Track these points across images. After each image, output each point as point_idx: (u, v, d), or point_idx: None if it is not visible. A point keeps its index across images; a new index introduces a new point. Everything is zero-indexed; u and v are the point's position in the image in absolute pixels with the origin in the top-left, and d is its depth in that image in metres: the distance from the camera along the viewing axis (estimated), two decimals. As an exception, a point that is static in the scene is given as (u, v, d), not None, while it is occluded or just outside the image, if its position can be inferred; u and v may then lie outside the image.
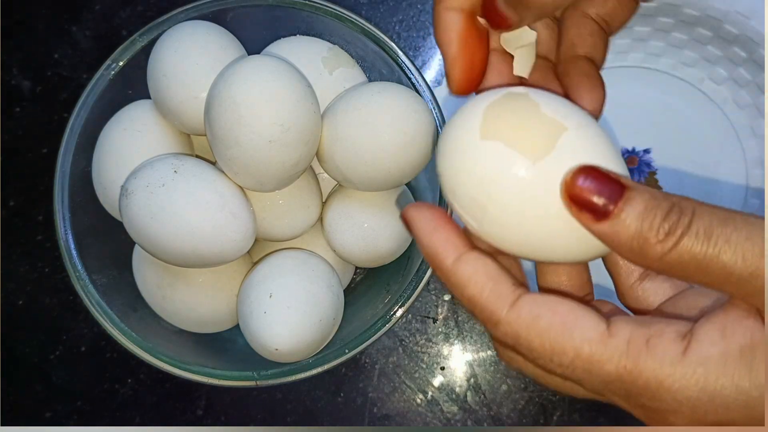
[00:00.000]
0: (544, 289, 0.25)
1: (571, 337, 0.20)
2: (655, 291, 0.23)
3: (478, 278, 0.21)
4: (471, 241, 0.22)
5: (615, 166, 0.21)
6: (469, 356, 0.42)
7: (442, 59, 0.24)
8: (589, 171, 0.20)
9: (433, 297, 0.43)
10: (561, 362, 0.20)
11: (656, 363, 0.19)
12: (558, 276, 0.25)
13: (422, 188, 0.36)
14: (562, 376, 0.21)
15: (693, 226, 0.19)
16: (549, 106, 0.22)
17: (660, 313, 0.23)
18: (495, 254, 0.22)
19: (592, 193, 0.20)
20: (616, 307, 0.23)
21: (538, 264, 0.25)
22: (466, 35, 0.24)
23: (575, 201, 0.20)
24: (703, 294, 0.22)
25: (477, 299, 0.21)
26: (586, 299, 0.25)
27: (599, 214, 0.20)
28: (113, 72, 0.32)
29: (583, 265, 0.25)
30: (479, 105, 0.22)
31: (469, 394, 0.42)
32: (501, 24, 0.24)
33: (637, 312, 0.24)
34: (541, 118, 0.21)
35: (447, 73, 0.25)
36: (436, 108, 0.32)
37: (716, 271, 0.19)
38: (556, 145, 0.21)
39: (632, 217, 0.19)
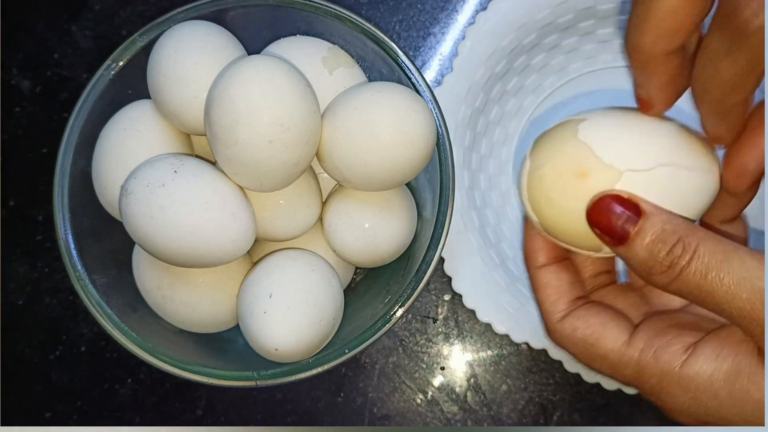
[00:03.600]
0: None
1: (597, 347, 0.25)
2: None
3: (547, 288, 0.27)
4: (562, 251, 0.27)
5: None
6: (469, 356, 0.42)
7: (636, 83, 0.25)
8: (609, 198, 0.23)
9: (433, 297, 0.43)
10: (592, 365, 0.25)
11: (659, 371, 0.23)
12: None
13: (422, 188, 0.36)
14: (597, 372, 0.26)
15: (692, 265, 0.21)
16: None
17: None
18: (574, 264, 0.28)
19: (610, 220, 0.23)
20: None
21: None
22: (672, 73, 0.24)
23: (597, 226, 0.24)
24: None
25: (542, 305, 0.27)
26: None
27: (615, 239, 0.23)
28: (113, 72, 0.32)
29: None
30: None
31: (469, 394, 0.42)
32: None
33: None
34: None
35: (646, 101, 0.25)
36: (436, 108, 0.32)
37: (711, 305, 0.22)
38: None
39: (640, 248, 0.22)
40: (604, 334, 0.25)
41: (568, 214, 0.25)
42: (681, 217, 0.23)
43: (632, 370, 0.24)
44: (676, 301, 0.28)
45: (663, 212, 0.23)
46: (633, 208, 0.23)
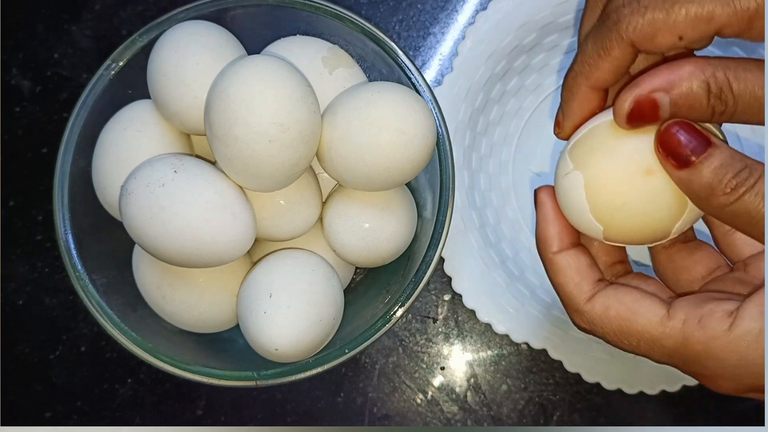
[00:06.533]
0: None
1: (636, 322, 0.25)
2: (744, 242, 0.27)
3: (568, 271, 0.27)
4: (576, 236, 0.27)
5: None
6: (469, 356, 0.42)
7: (561, 110, 0.28)
8: (682, 124, 0.24)
9: (433, 297, 0.43)
10: (629, 343, 0.25)
11: (706, 337, 0.23)
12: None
13: (422, 188, 0.36)
14: (632, 352, 0.26)
15: (756, 187, 0.23)
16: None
17: (744, 266, 0.27)
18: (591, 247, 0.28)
19: (680, 143, 0.24)
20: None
21: None
22: (594, 109, 0.27)
23: (665, 147, 0.24)
24: None
25: (563, 288, 0.27)
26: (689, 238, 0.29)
27: (682, 162, 0.24)
28: (113, 72, 0.32)
29: None
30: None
31: (469, 394, 0.42)
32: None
33: (731, 259, 0.28)
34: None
35: (560, 124, 0.28)
36: (436, 108, 0.32)
37: (762, 227, 0.23)
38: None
39: (707, 170, 0.23)
40: (640, 310, 0.25)
41: (638, 215, 0.25)
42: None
43: (675, 341, 0.24)
44: (697, 283, 0.29)
45: (730, 147, 0.24)
46: (703, 137, 0.23)
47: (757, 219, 0.23)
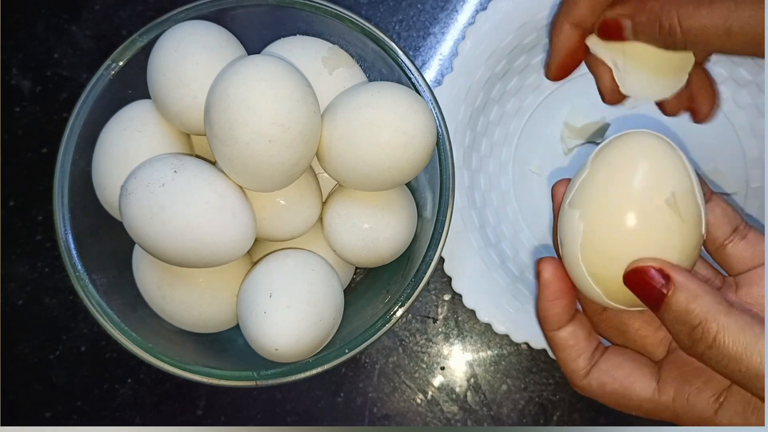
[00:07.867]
0: None
1: (630, 398, 0.27)
2: (736, 258, 0.28)
3: (565, 349, 0.28)
4: (574, 309, 0.29)
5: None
6: (469, 356, 0.42)
7: (548, 52, 0.32)
8: (641, 268, 0.25)
9: (433, 297, 0.43)
10: (628, 412, 0.27)
11: (695, 418, 0.26)
12: None
13: (422, 188, 0.36)
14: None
15: (711, 352, 0.23)
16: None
17: (736, 287, 0.28)
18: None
19: (642, 289, 0.25)
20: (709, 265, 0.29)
21: None
22: (574, 46, 0.31)
23: (633, 289, 0.25)
24: None
25: (563, 364, 0.29)
26: None
27: (650, 305, 0.25)
28: (113, 72, 0.32)
29: None
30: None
31: (469, 394, 0.42)
32: (616, 38, 0.31)
33: (726, 270, 0.29)
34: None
35: (548, 65, 0.32)
36: (436, 108, 0.32)
37: (733, 378, 0.24)
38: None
39: (667, 320, 0.25)
40: (633, 385, 0.27)
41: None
42: (708, 289, 0.24)
43: (668, 415, 0.26)
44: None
45: (691, 285, 0.24)
46: (664, 277, 0.25)
47: (724, 374, 0.24)
